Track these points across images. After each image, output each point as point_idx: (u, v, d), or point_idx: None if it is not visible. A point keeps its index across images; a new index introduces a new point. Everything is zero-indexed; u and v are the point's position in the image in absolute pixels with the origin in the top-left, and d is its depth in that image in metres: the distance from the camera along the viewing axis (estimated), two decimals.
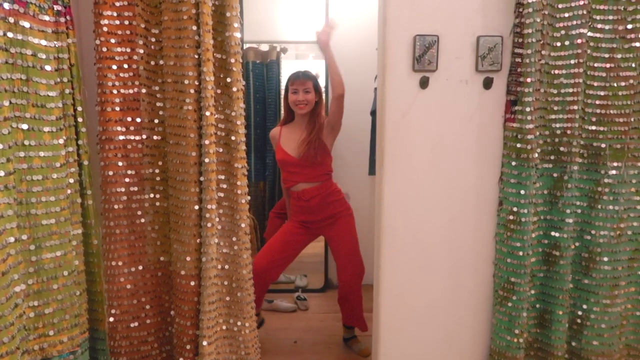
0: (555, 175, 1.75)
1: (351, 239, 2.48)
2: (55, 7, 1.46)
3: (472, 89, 1.75)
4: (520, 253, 1.72)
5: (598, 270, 1.74)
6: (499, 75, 1.74)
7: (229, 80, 1.69)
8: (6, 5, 1.28)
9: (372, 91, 3.04)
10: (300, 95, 2.39)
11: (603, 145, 1.70)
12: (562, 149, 1.71)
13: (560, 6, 1.65)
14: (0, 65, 1.26)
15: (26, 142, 1.37)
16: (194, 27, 1.61)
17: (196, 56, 1.63)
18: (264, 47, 3.45)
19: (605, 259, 1.73)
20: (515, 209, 1.72)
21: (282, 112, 2.57)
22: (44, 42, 1.40)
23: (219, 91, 1.71)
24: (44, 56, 1.40)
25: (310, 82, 2.41)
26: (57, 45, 1.47)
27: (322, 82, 3.23)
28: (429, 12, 1.70)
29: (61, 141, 1.47)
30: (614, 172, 1.70)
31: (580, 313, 1.79)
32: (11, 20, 1.29)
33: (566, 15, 1.65)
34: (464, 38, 1.72)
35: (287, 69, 3.38)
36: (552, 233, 1.76)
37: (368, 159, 3.19)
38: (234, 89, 1.69)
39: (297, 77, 2.40)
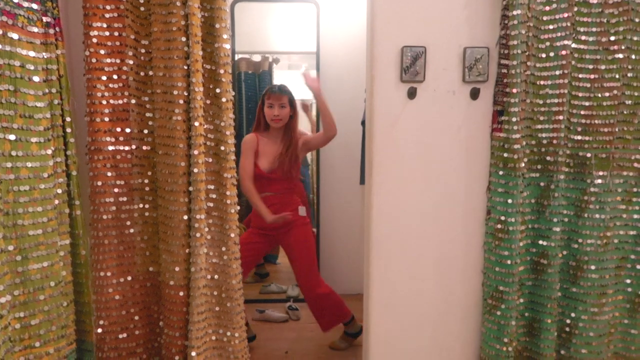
0: (542, 184, 1.77)
1: (305, 247, 2.54)
2: (45, 19, 1.47)
3: (459, 99, 1.77)
4: (509, 262, 1.73)
5: (586, 278, 1.75)
6: (486, 85, 1.76)
7: (218, 90, 1.70)
8: None
9: (363, 101, 3.06)
10: (276, 110, 2.42)
11: (589, 155, 1.72)
12: (548, 158, 1.73)
13: (545, 18, 1.68)
14: None
15: (13, 153, 1.37)
16: (183, 39, 1.62)
17: (185, 67, 1.64)
18: (256, 58, 3.47)
19: (593, 267, 1.74)
20: (503, 218, 1.74)
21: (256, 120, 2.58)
22: (32, 54, 1.41)
23: (208, 102, 1.72)
24: (32, 67, 1.40)
25: (285, 97, 2.44)
26: (45, 57, 1.47)
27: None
28: (417, 23, 1.72)
29: (49, 152, 1.47)
30: (599, 181, 1.72)
31: (568, 321, 1.80)
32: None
33: (551, 27, 1.67)
34: (451, 49, 1.74)
35: (279, 80, 3.40)
36: (540, 242, 1.78)
37: (359, 168, 3.20)
38: (223, 100, 1.70)
39: (273, 92, 2.43)
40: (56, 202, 1.51)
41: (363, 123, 3.07)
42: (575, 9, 1.66)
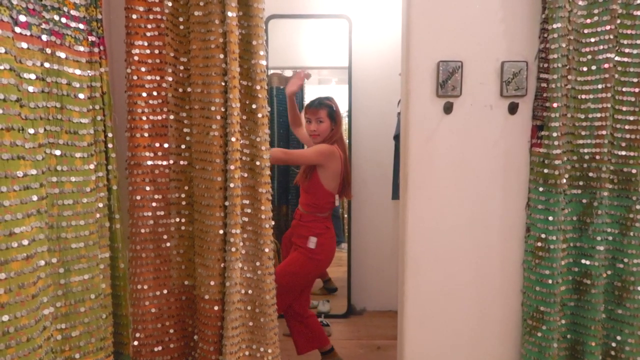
0: (584, 201, 1.71)
1: (282, 269, 2.45)
2: (90, 38, 1.52)
3: (496, 114, 1.74)
4: (550, 281, 1.68)
5: (632, 300, 1.68)
6: (524, 100, 1.73)
7: (254, 106, 1.72)
8: (44, 37, 1.34)
9: (395, 115, 3.05)
10: (313, 125, 2.40)
11: (634, 171, 1.66)
12: (591, 174, 1.68)
13: (586, 31, 1.64)
14: (36, 94, 1.31)
15: (59, 168, 1.41)
16: (221, 56, 1.65)
17: (223, 83, 1.66)
18: (288, 73, 3.51)
19: None
20: (543, 235, 1.69)
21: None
22: (78, 72, 1.45)
23: (244, 117, 1.74)
24: (77, 85, 1.45)
25: (323, 111, 2.40)
26: (90, 74, 1.52)
27: (345, 107, 3.27)
28: (453, 38, 1.71)
29: (92, 166, 1.51)
30: None
31: (614, 344, 1.72)
32: (48, 51, 1.35)
33: (592, 40, 1.63)
34: (488, 63, 1.72)
35: (310, 94, 3.43)
36: (583, 261, 1.72)
37: (391, 183, 3.18)
38: (259, 115, 1.71)
39: (311, 106, 2.42)
40: (97, 215, 1.54)
41: (396, 138, 3.05)
42: (618, 21, 1.62)
